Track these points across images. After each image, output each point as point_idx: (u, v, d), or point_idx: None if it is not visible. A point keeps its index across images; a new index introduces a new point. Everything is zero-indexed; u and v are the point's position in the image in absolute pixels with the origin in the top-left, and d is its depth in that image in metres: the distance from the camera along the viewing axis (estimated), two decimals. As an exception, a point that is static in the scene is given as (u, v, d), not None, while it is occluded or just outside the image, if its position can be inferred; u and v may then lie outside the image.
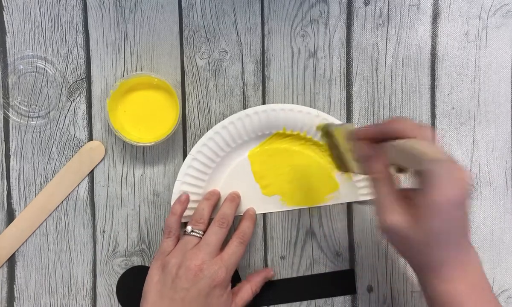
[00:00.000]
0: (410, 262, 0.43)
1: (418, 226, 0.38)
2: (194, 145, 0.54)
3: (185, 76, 0.56)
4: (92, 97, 0.56)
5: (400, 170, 0.44)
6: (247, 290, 0.53)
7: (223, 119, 0.54)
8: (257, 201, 0.56)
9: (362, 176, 0.50)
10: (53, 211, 0.56)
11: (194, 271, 0.47)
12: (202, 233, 0.50)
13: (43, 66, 0.55)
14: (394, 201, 0.40)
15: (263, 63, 0.57)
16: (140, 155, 0.56)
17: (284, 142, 0.56)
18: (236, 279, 0.57)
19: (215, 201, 0.54)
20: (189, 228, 0.50)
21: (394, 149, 0.40)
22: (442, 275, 0.39)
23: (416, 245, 0.39)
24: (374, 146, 0.43)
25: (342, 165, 0.50)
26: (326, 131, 0.50)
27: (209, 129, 0.55)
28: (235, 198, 0.54)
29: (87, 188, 0.56)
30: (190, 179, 0.54)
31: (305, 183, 0.57)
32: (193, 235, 0.50)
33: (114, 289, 0.56)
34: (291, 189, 0.57)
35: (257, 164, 0.56)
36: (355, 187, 0.56)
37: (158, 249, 0.51)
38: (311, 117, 0.55)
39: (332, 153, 0.52)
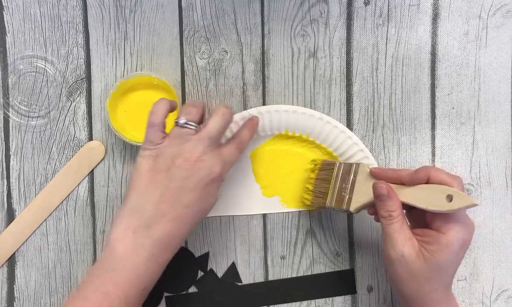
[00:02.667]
0: (407, 295, 0.46)
1: (427, 261, 0.44)
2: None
3: (185, 76, 0.56)
4: (92, 97, 0.56)
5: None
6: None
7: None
8: (256, 202, 0.56)
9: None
10: (53, 211, 0.56)
11: (193, 162, 0.44)
12: (196, 125, 0.47)
13: (43, 66, 0.55)
14: (406, 236, 0.45)
15: (263, 63, 0.57)
16: (140, 155, 0.56)
17: (286, 143, 0.56)
18: (235, 277, 0.57)
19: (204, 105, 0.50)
20: (182, 119, 0.46)
21: (419, 191, 0.45)
22: None
23: (420, 279, 0.44)
24: (390, 186, 0.47)
25: (320, 200, 0.53)
26: (328, 164, 0.53)
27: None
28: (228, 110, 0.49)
29: (87, 188, 0.56)
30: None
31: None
32: (187, 127, 0.46)
33: (114, 289, 0.56)
34: (291, 191, 0.57)
35: (258, 165, 0.56)
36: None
37: (144, 140, 0.47)
38: (314, 119, 0.55)
39: (315, 186, 0.54)
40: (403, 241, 0.44)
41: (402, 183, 0.47)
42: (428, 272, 0.44)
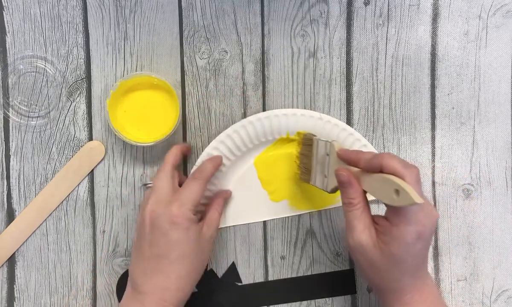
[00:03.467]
0: (372, 283, 0.47)
1: (383, 252, 0.43)
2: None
3: (185, 76, 0.56)
4: (92, 97, 0.56)
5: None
6: (214, 213, 0.52)
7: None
8: (266, 208, 0.56)
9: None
10: (53, 211, 0.56)
11: (149, 217, 0.47)
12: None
13: (43, 66, 0.55)
14: (365, 224, 0.44)
15: (263, 63, 0.57)
16: (140, 155, 0.56)
17: (288, 146, 0.56)
18: (235, 277, 0.57)
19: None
20: (140, 183, 0.52)
21: (375, 181, 0.43)
22: (402, 299, 0.45)
23: (380, 268, 0.44)
24: (352, 170, 0.46)
25: (305, 175, 0.53)
26: (308, 139, 0.53)
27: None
28: (180, 148, 0.53)
29: (87, 188, 0.56)
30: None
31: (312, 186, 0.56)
32: (146, 188, 0.51)
33: (114, 289, 0.56)
34: (299, 193, 0.56)
35: (263, 170, 0.56)
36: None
37: None
38: (314, 120, 0.55)
39: (301, 162, 0.54)
40: (361, 229, 0.44)
41: (360, 166, 0.45)
42: (384, 262, 0.43)
